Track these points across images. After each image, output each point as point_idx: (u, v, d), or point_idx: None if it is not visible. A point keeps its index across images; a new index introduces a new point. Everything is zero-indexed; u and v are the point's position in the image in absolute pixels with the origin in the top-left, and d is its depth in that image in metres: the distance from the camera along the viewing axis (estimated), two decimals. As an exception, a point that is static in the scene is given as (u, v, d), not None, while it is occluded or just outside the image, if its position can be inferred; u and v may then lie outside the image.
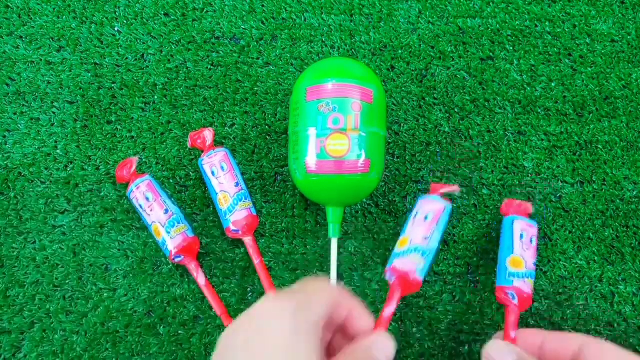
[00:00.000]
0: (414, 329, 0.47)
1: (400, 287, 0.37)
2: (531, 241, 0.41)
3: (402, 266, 0.38)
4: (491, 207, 0.50)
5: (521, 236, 0.41)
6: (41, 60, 0.52)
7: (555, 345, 0.35)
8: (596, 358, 0.32)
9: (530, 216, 0.45)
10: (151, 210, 0.46)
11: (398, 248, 0.40)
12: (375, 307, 0.47)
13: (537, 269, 0.42)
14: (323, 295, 0.30)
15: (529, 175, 0.51)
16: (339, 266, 0.48)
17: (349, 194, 0.44)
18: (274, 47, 0.53)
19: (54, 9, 0.54)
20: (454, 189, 0.42)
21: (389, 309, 0.36)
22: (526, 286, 0.39)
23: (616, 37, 0.54)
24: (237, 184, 0.47)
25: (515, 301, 0.39)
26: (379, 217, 0.49)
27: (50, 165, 0.50)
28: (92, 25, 0.53)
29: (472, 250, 0.49)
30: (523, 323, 0.47)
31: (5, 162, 0.50)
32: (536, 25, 0.54)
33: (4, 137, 0.51)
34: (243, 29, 0.54)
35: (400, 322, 0.47)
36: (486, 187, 0.50)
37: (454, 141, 0.51)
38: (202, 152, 0.48)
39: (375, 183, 0.44)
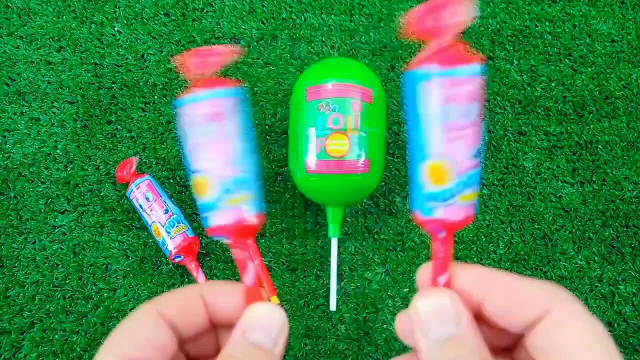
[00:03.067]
0: (414, 329, 0.47)
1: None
2: (467, 114, 0.20)
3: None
4: (491, 207, 0.50)
5: (445, 114, 0.20)
6: (41, 60, 0.52)
7: (506, 304, 0.21)
8: (555, 330, 0.20)
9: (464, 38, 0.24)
10: (151, 210, 0.46)
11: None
12: (375, 307, 0.47)
13: (481, 159, 0.25)
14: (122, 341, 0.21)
15: (529, 175, 0.50)
16: (339, 266, 0.48)
17: (349, 194, 0.43)
18: (274, 47, 0.53)
19: (54, 9, 0.54)
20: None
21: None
22: (457, 210, 0.22)
23: (616, 37, 0.54)
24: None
25: (443, 234, 0.23)
26: (379, 217, 0.49)
27: (50, 165, 0.50)
28: (92, 25, 0.53)
29: (472, 250, 0.49)
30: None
31: (5, 162, 0.50)
32: (536, 25, 0.54)
33: (4, 137, 0.51)
34: (243, 29, 0.54)
35: (400, 322, 0.47)
36: (486, 187, 0.50)
37: None
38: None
39: (376, 183, 0.44)
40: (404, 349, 0.46)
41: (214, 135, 0.23)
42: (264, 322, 0.23)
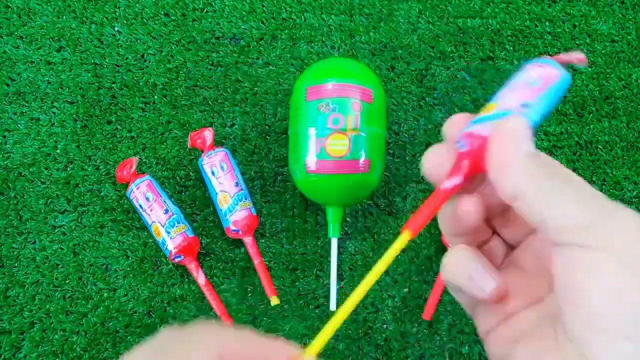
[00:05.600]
0: (414, 329, 0.47)
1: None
2: (532, 83, 0.27)
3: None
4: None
5: (519, 76, 0.28)
6: (41, 60, 0.52)
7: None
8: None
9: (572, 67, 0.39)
10: (151, 210, 0.46)
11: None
12: (375, 307, 0.47)
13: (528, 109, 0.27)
14: None
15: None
16: (339, 266, 0.48)
17: (349, 194, 0.44)
18: (274, 47, 0.53)
19: (54, 9, 0.54)
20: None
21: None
22: (484, 128, 0.26)
23: (616, 37, 0.54)
24: (237, 184, 0.47)
25: (465, 148, 0.25)
26: (379, 217, 0.49)
27: (50, 165, 0.50)
28: (92, 25, 0.53)
29: (472, 250, 0.49)
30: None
31: (5, 162, 0.50)
32: (536, 25, 0.54)
33: (4, 137, 0.51)
34: (243, 29, 0.54)
35: (400, 322, 0.47)
36: (486, 187, 0.50)
37: None
38: (202, 152, 0.48)
39: (375, 183, 0.44)
40: (404, 349, 0.47)
41: (225, 171, 0.46)
42: None
